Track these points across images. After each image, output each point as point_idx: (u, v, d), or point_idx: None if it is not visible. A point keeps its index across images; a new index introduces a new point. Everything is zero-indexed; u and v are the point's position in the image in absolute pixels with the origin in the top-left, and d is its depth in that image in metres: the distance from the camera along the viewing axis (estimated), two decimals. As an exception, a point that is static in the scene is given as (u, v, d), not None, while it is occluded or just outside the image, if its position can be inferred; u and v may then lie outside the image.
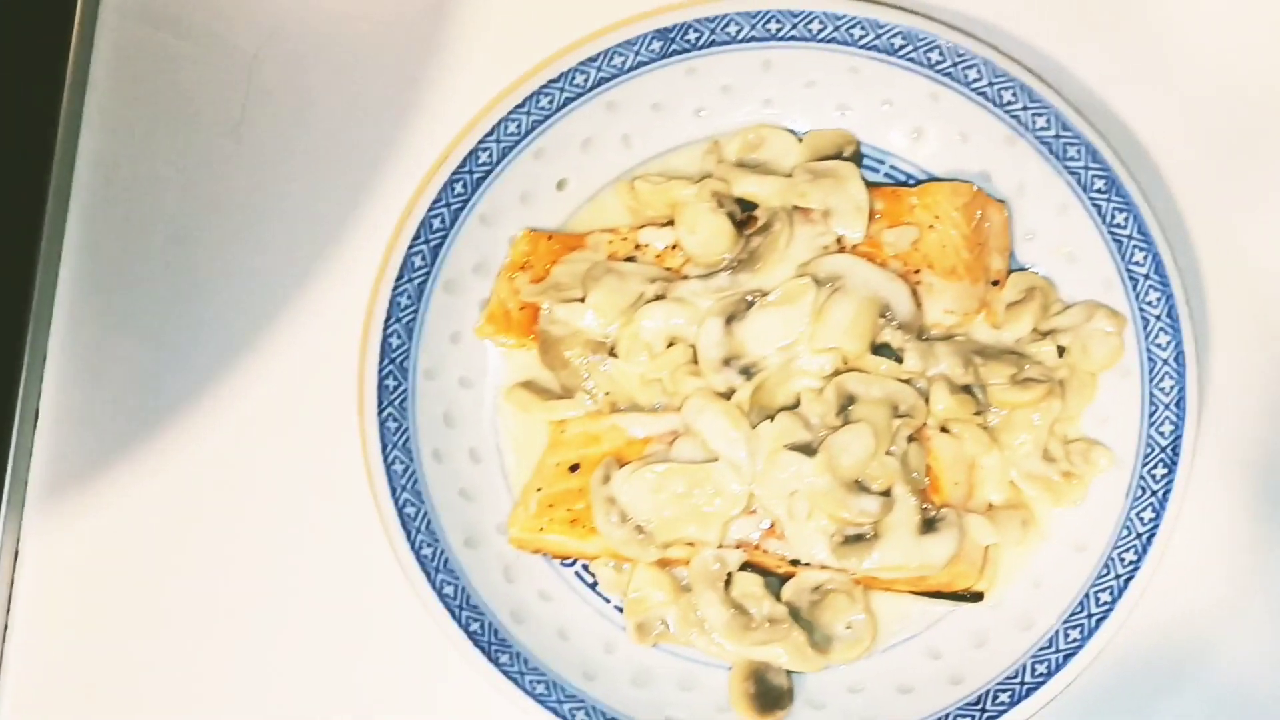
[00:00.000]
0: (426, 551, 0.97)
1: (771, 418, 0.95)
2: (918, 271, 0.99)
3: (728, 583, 0.97)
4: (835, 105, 1.06)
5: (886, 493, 0.94)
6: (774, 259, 0.99)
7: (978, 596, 0.98)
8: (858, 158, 1.05)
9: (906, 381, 0.97)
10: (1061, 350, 0.99)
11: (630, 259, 1.02)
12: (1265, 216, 1.05)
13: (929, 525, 0.94)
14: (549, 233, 1.05)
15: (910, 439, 0.96)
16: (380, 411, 0.99)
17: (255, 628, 1.02)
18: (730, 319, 0.98)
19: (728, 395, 0.96)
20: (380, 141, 1.09)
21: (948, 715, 0.94)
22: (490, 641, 0.96)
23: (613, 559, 1.00)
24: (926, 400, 0.96)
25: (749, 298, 0.98)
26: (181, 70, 1.11)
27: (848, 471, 0.93)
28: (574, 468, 0.99)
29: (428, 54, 1.11)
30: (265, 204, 1.08)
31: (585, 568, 1.02)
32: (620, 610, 1.00)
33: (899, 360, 0.97)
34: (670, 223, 1.02)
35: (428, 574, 0.96)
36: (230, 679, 1.02)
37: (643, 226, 1.03)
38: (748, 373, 0.97)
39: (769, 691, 0.96)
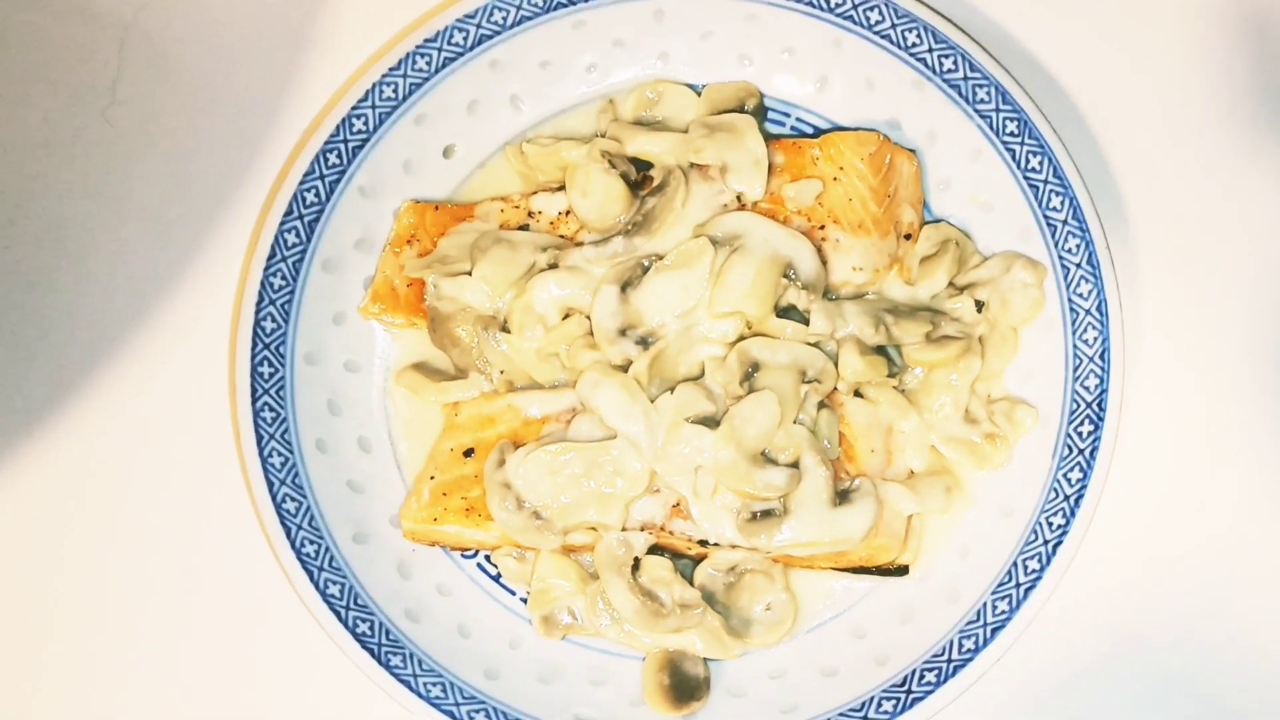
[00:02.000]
0: (309, 549, 0.91)
1: (672, 389, 0.90)
2: (823, 227, 0.94)
3: (636, 568, 0.91)
4: (735, 56, 1.01)
5: (796, 464, 0.89)
6: (670, 220, 0.93)
7: (903, 570, 0.93)
8: (761, 111, 1.00)
9: (814, 345, 0.92)
10: (980, 305, 0.95)
11: (524, 227, 0.97)
12: (1195, 154, 1.00)
13: (843, 497, 0.89)
14: (436, 203, 0.99)
15: (821, 405, 0.91)
16: (255, 400, 0.93)
17: (128, 633, 0.97)
18: (626, 286, 0.92)
19: (625, 367, 0.91)
20: (257, 113, 1.04)
21: (872, 698, 0.89)
22: (380, 643, 0.90)
23: (515, 548, 0.94)
24: (836, 364, 0.91)
25: (645, 262, 0.93)
26: (50, 47, 1.05)
27: (753, 443, 0.88)
28: (469, 452, 0.93)
29: (304, 17, 1.05)
30: (136, 185, 1.03)
31: (488, 559, 0.96)
32: (526, 603, 0.95)
33: (805, 322, 0.91)
34: (563, 187, 0.97)
35: (310, 573, 0.90)
36: (101, 687, 0.96)
37: (535, 193, 0.98)
38: (645, 342, 0.91)
39: (685, 682, 0.92)
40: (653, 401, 0.90)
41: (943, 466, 0.93)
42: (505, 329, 0.94)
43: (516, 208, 0.97)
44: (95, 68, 1.05)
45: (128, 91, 1.05)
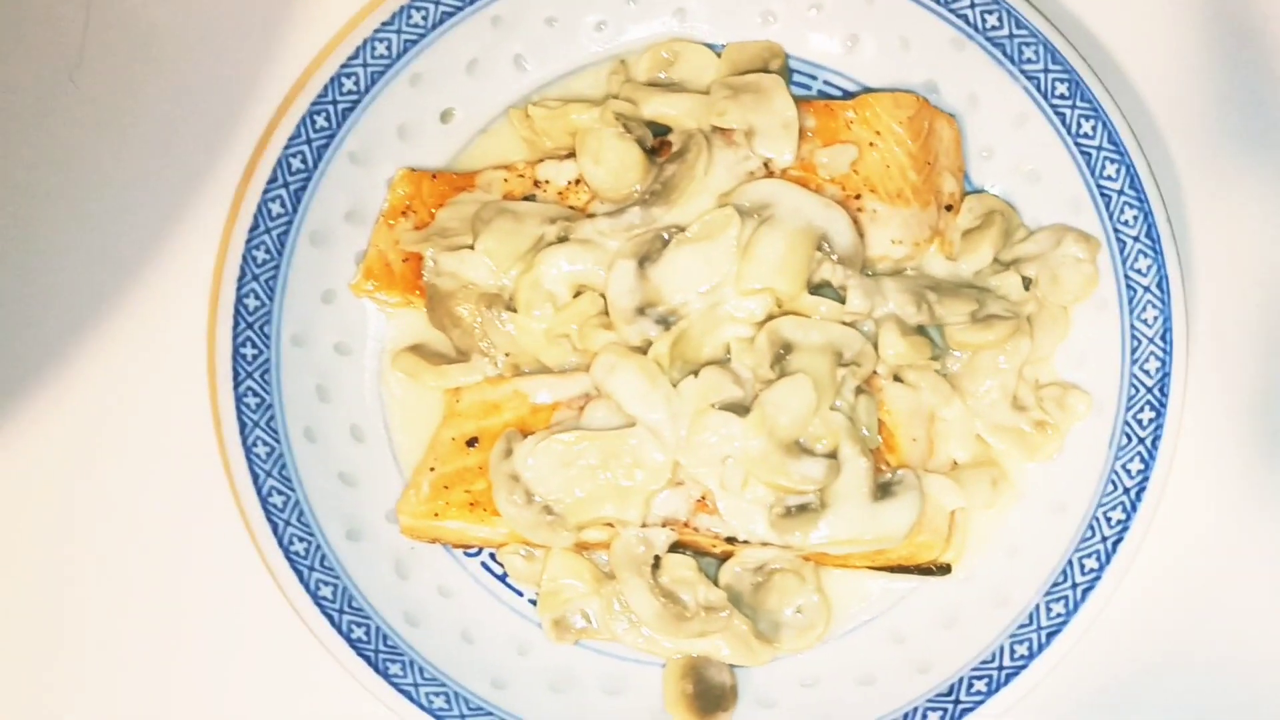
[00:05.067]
0: (298, 547, 0.86)
1: (696, 373, 0.85)
2: (858, 197, 0.89)
3: (656, 567, 0.87)
4: (759, 13, 0.96)
5: (833, 454, 0.84)
6: (691, 189, 0.89)
7: (945, 569, 0.89)
8: (786, 72, 0.95)
9: (851, 324, 0.87)
10: (1028, 282, 0.91)
11: (529, 198, 0.93)
12: (1253, 120, 0.96)
13: (884, 490, 0.85)
14: (433, 172, 0.94)
15: (859, 391, 0.86)
16: (237, 385, 0.88)
17: (105, 637, 0.93)
18: (644, 260, 0.87)
19: (644, 349, 0.86)
20: (237, 73, 0.99)
21: (916, 709, 0.85)
22: (378, 649, 0.86)
23: (523, 546, 0.90)
24: (875, 345, 0.87)
25: (665, 235, 0.88)
26: (12, 6, 1.01)
27: (786, 431, 0.83)
28: (472, 442, 0.89)
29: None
30: (106, 152, 0.99)
31: (492, 557, 0.92)
32: (535, 604, 0.90)
33: (841, 300, 0.87)
34: (572, 154, 0.92)
35: (299, 573, 0.86)
36: (76, 694, 0.92)
37: (541, 160, 0.94)
38: (666, 322, 0.87)
39: (710, 690, 0.87)
40: (675, 386, 0.85)
41: (989, 457, 0.90)
42: (511, 308, 0.90)
43: (521, 176, 0.93)
44: (61, 27, 1.01)
45: (96, 52, 1.01)
